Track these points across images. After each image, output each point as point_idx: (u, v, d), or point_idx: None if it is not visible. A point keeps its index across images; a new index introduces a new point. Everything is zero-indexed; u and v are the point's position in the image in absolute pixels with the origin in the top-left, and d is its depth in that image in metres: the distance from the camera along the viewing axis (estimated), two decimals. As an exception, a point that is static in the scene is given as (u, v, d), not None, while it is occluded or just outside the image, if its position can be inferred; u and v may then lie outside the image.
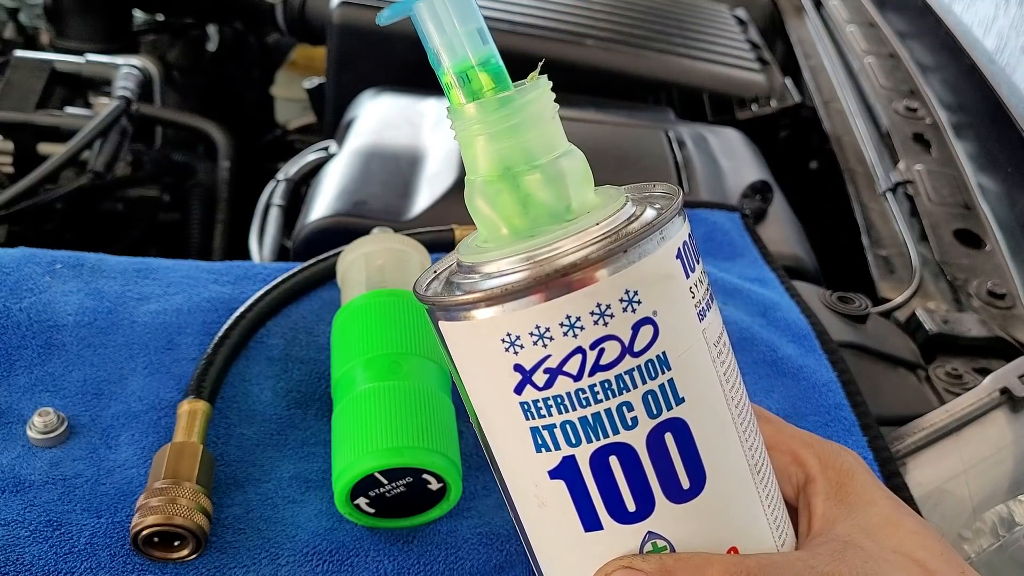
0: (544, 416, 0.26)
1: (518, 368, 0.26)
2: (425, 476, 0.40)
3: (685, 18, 1.14)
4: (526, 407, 0.27)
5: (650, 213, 0.27)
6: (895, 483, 0.48)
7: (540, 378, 0.26)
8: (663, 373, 0.26)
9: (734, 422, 0.28)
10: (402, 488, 0.40)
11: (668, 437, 0.27)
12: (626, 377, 0.26)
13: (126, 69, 0.99)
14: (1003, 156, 0.83)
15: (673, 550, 0.28)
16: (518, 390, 0.26)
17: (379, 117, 0.86)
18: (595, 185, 0.29)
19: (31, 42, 1.22)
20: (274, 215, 0.84)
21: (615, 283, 0.25)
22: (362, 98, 0.92)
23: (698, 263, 0.28)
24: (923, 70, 1.04)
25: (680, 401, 0.26)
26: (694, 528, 0.28)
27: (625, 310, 0.25)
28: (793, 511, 0.33)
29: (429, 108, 0.86)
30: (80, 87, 1.02)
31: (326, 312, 0.53)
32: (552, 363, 0.26)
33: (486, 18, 0.28)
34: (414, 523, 0.42)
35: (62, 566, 0.37)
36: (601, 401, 0.26)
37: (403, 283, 0.48)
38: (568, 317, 0.25)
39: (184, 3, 1.24)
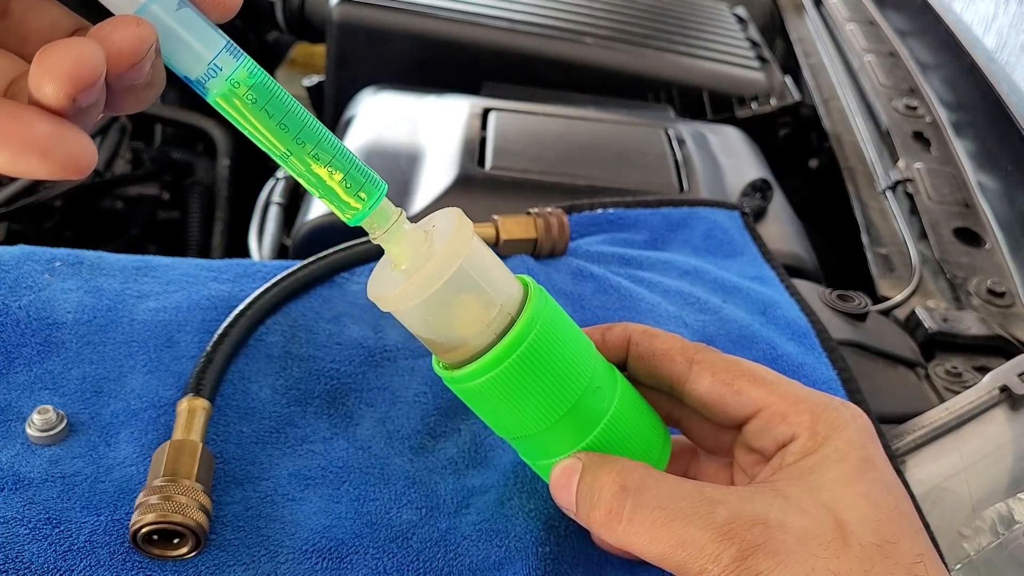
0: None
1: None
2: None
3: (685, 16, 1.14)
4: None
5: None
6: (895, 481, 0.48)
7: None
8: None
9: None
10: None
11: None
12: None
13: (125, 67, 0.99)
14: (1003, 154, 0.83)
15: None
16: None
17: (378, 115, 0.85)
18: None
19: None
20: (273, 213, 0.84)
21: None
22: (361, 96, 0.92)
23: None
24: (923, 68, 1.04)
25: None
26: None
27: None
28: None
29: (428, 106, 0.86)
30: (79, 85, 1.01)
31: (325, 310, 0.53)
32: None
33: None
34: None
35: (61, 564, 0.37)
36: None
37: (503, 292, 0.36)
38: None
39: (183, 1, 1.23)
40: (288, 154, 0.31)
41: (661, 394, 0.41)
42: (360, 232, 0.60)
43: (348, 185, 0.32)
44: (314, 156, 0.32)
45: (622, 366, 0.41)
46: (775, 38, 1.27)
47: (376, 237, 0.34)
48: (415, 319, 0.35)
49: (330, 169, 0.32)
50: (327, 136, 0.32)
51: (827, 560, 0.30)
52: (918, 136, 0.92)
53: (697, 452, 0.42)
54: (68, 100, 0.25)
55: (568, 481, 0.36)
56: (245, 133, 0.31)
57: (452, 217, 0.35)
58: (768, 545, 0.31)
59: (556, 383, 0.35)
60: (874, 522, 0.32)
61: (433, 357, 0.38)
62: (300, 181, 0.32)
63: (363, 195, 0.33)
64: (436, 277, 0.33)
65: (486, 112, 0.83)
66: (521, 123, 0.83)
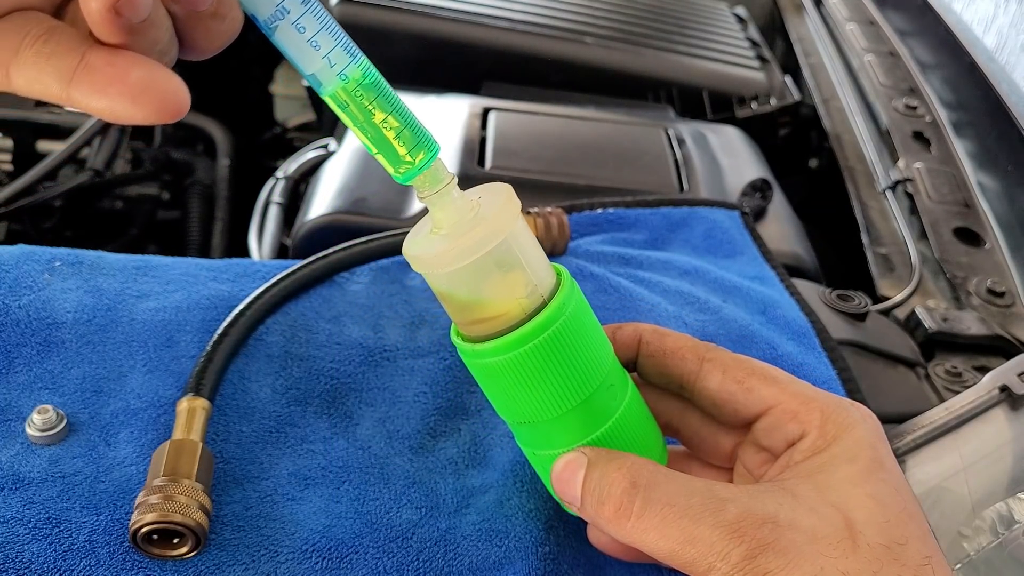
0: None
1: None
2: None
3: (685, 16, 1.14)
4: None
5: None
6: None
7: None
8: None
9: None
10: None
11: None
12: None
13: (125, 66, 0.99)
14: (1003, 154, 0.83)
15: None
16: None
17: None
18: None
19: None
20: (273, 213, 0.84)
21: None
22: (362, 96, 0.92)
23: None
24: (923, 68, 1.04)
25: None
26: None
27: None
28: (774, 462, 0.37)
29: (428, 106, 0.86)
30: (79, 84, 1.01)
31: (325, 310, 0.53)
32: None
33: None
34: None
35: (61, 563, 0.37)
36: None
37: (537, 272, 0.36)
38: None
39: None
40: (347, 104, 0.31)
41: (665, 398, 0.41)
42: (358, 232, 0.60)
43: (403, 141, 0.32)
44: (372, 109, 0.32)
45: (631, 365, 0.41)
46: (775, 38, 1.27)
47: (424, 197, 0.34)
48: (448, 285, 0.35)
49: (387, 123, 0.32)
50: (387, 90, 0.32)
51: (836, 560, 0.30)
52: (918, 136, 0.92)
53: (692, 463, 0.42)
54: (111, 12, 0.24)
55: (573, 475, 0.36)
56: (306, 78, 0.31)
57: (501, 192, 0.35)
58: (777, 544, 0.31)
59: (574, 372, 0.35)
60: (883, 523, 0.32)
61: (452, 327, 0.37)
62: (356, 132, 0.32)
63: (417, 153, 0.33)
64: (481, 245, 0.33)
65: (486, 112, 0.83)
66: (521, 123, 0.83)
